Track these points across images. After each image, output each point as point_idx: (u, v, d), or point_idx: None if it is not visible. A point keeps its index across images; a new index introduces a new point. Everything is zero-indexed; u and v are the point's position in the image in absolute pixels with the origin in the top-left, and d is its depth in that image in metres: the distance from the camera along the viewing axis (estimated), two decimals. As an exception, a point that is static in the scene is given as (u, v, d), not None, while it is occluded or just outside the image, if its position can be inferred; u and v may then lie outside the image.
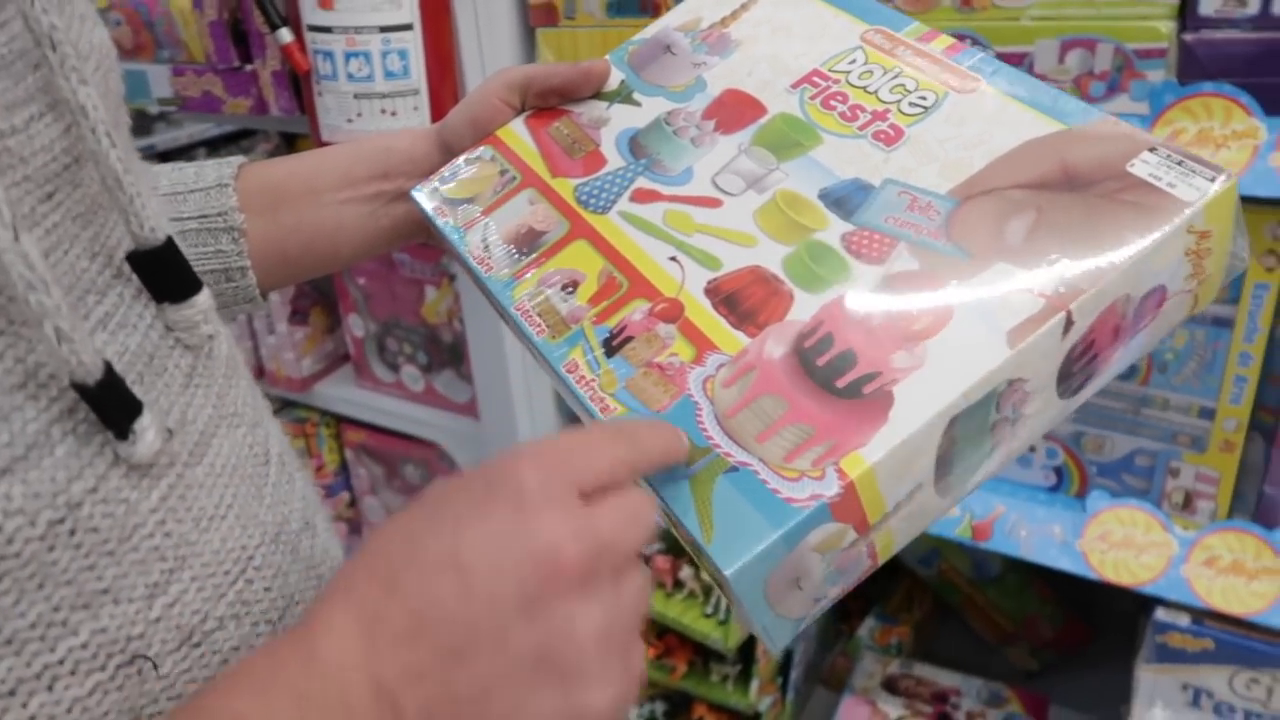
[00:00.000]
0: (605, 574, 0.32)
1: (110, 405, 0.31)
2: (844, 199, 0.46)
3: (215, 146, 3.47)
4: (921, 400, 0.37)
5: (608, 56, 0.59)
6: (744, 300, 0.43)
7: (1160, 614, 0.87)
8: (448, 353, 1.16)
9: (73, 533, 0.31)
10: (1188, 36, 0.72)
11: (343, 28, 0.79)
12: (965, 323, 0.39)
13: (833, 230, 0.44)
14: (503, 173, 0.54)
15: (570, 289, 0.47)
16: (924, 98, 0.48)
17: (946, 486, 0.40)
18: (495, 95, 0.56)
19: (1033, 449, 0.94)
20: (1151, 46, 0.72)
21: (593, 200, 0.51)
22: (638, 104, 0.55)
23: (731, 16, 0.57)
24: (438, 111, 0.89)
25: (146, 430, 0.32)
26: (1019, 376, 0.39)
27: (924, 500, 0.39)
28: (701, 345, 0.43)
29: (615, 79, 0.57)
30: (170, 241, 0.35)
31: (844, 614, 1.33)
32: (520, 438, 1.11)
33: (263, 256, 0.57)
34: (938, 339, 0.39)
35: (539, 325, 0.47)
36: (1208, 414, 0.83)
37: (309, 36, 0.81)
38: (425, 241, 0.60)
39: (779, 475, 0.37)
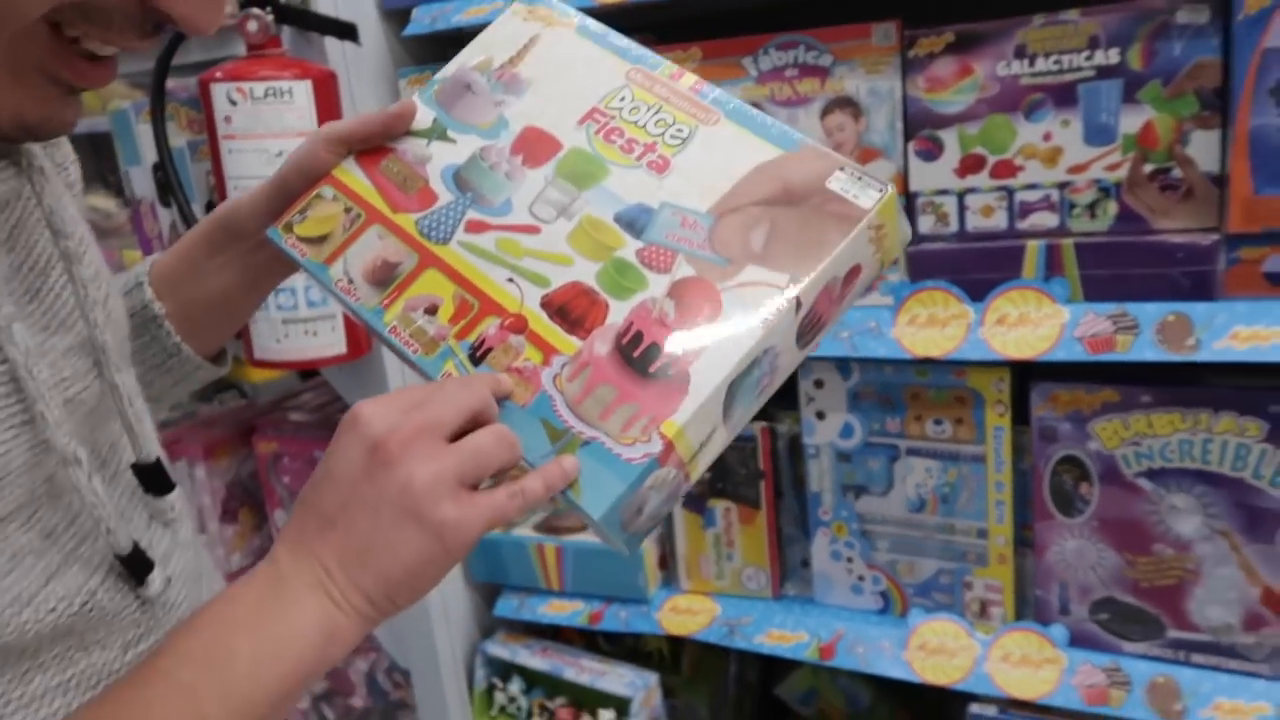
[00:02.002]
0: (424, 445, 0.48)
1: (134, 567, 0.54)
2: (633, 221, 0.58)
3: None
4: (709, 375, 0.52)
5: (415, 96, 0.68)
6: (572, 310, 0.56)
7: (974, 708, 1.04)
8: (365, 538, 1.31)
9: (90, 610, 0.52)
10: (912, 249, 0.97)
11: (274, 271, 1.00)
12: (731, 314, 0.54)
13: (629, 248, 0.57)
14: (348, 210, 0.63)
15: (432, 312, 0.58)
16: (681, 130, 0.61)
17: (732, 423, 0.55)
18: (322, 149, 0.64)
19: (861, 578, 1.12)
20: (889, 257, 0.98)
21: (433, 232, 0.61)
22: (453, 141, 0.65)
23: (518, 56, 0.68)
24: (351, 331, 1.10)
25: (155, 580, 0.55)
26: (770, 346, 0.54)
27: (718, 436, 0.55)
28: (546, 350, 0.55)
29: (428, 116, 0.66)
30: (158, 460, 0.57)
31: (738, 757, 1.45)
32: (435, 620, 1.25)
33: (184, 330, 0.71)
34: (714, 328, 0.54)
35: (414, 345, 0.58)
36: (983, 534, 1.04)
37: (246, 279, 1.02)
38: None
39: (619, 443, 0.52)
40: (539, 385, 0.54)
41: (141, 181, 1.28)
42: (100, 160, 1.66)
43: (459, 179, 0.63)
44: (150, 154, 1.25)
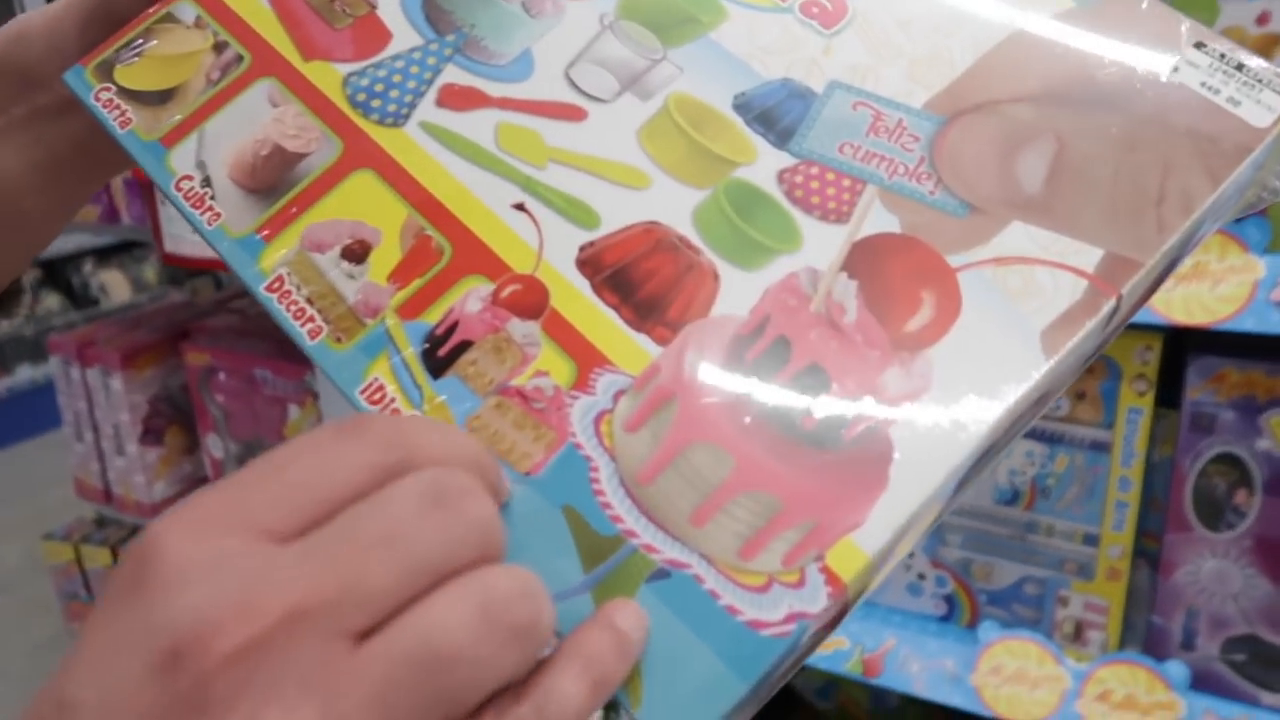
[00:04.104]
0: (303, 657, 0.20)
1: None
2: (773, 112, 0.31)
3: (105, 255, 3.38)
4: (933, 446, 0.26)
5: None
6: (643, 280, 0.29)
7: (1057, 753, 0.83)
8: (314, 476, 1.09)
9: None
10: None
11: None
12: (979, 319, 0.27)
13: (764, 164, 0.30)
14: (218, 47, 0.36)
15: (356, 256, 0.31)
16: None
17: (925, 534, 0.30)
18: None
19: (921, 576, 0.90)
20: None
21: (376, 102, 0.34)
22: None
23: None
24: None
25: None
26: (1049, 390, 0.28)
27: (914, 537, 0.29)
28: (585, 357, 0.28)
29: None
30: None
31: (740, 753, 1.26)
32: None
33: None
34: (943, 345, 0.27)
35: (311, 319, 0.30)
36: (1092, 540, 0.82)
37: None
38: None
39: (735, 583, 0.25)
40: (564, 432, 0.27)
41: None
42: None
43: (431, 6, 0.35)
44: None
